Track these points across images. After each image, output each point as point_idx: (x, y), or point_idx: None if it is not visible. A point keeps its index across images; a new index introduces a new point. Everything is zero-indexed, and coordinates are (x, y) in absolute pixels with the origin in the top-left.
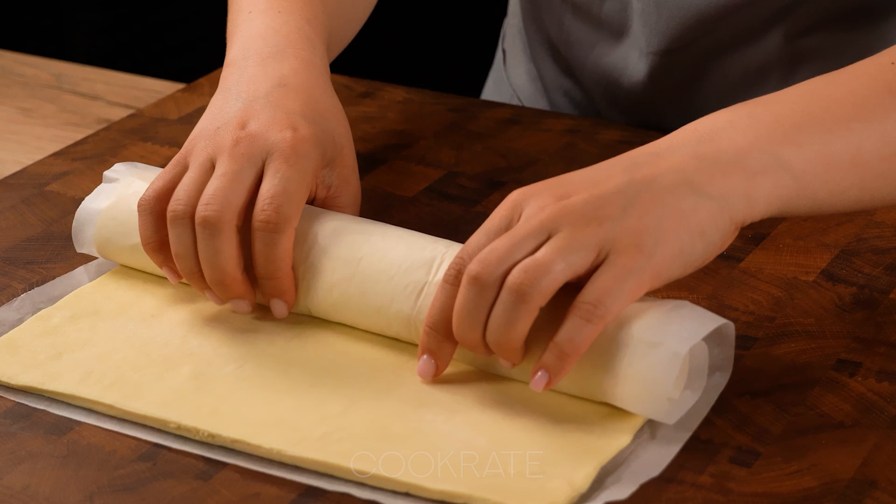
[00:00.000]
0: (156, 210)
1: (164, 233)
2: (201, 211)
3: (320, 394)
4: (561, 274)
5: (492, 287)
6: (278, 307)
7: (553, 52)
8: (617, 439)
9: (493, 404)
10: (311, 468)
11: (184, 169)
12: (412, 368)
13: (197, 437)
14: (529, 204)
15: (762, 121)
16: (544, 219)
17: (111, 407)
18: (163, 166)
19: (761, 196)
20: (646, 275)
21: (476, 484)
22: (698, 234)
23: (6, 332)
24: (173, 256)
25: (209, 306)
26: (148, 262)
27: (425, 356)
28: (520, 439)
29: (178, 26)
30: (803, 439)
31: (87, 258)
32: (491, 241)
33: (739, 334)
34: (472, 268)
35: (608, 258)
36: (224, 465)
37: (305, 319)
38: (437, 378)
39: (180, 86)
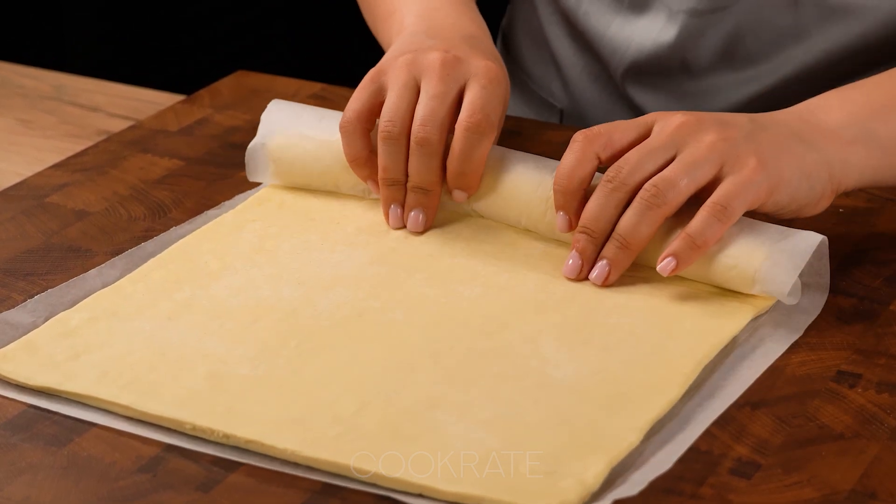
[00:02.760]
0: (359, 129)
1: (369, 149)
2: (418, 132)
3: (333, 394)
4: (685, 188)
5: (623, 191)
6: (459, 196)
7: (569, 28)
8: (626, 439)
9: (503, 404)
10: (325, 469)
11: (379, 89)
12: (422, 367)
13: (212, 438)
14: (660, 120)
15: (853, 101)
16: (673, 131)
17: (126, 408)
18: (164, 178)
19: (855, 163)
20: (763, 188)
21: (488, 484)
22: (805, 176)
23: (21, 334)
24: (380, 168)
25: (225, 309)
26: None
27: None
28: (530, 438)
29: (180, 34)
30: (803, 451)
31: (89, 267)
32: (623, 137)
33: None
34: (609, 173)
35: (732, 171)
36: (224, 476)
37: (320, 322)
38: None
39: (180, 97)
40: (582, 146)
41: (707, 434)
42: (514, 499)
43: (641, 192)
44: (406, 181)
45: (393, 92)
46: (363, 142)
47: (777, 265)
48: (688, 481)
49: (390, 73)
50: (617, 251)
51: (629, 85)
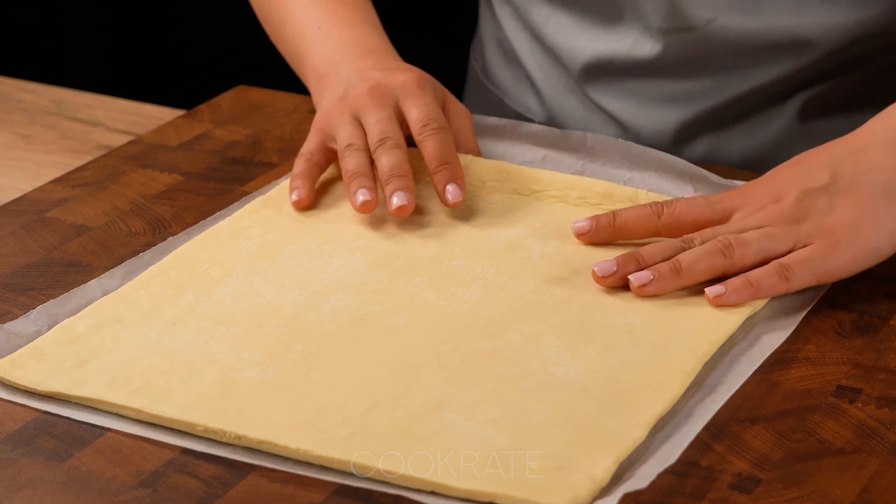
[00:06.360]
0: (312, 161)
1: (315, 179)
2: (377, 141)
3: (342, 396)
4: (754, 255)
5: (698, 240)
6: (454, 192)
7: (539, 45)
8: (632, 435)
9: (508, 403)
10: (337, 468)
11: (324, 137)
12: (427, 369)
13: (223, 440)
14: (744, 208)
15: None
16: (755, 222)
17: (138, 411)
18: (164, 193)
19: None
20: (839, 264)
21: (499, 481)
22: (888, 235)
23: (24, 343)
24: (344, 172)
25: (229, 314)
26: None
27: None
28: (539, 436)
29: (180, 49)
30: (803, 465)
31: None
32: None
33: None
34: (690, 234)
35: (809, 244)
36: (224, 491)
37: (324, 326)
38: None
39: (180, 112)
40: (653, 210)
41: (707, 449)
42: (526, 495)
43: (718, 238)
44: (372, 176)
45: (342, 131)
46: (313, 170)
47: None
48: (688, 496)
49: (332, 125)
50: (668, 272)
51: (599, 94)
